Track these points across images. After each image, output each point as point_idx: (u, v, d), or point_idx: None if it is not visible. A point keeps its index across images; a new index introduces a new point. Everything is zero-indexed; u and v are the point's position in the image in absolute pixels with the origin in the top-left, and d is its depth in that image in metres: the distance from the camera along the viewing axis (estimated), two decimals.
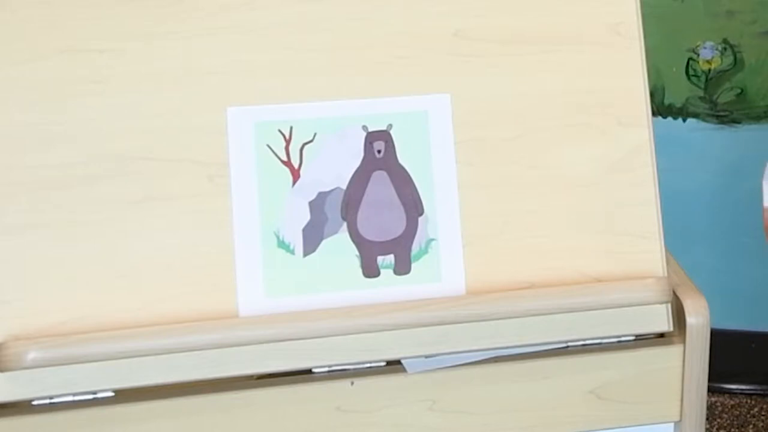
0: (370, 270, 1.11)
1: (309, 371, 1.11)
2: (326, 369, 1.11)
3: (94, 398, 1.07)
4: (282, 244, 1.10)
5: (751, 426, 2.26)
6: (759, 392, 2.34)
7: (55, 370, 1.05)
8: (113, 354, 1.04)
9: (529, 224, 1.14)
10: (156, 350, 1.05)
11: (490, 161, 1.14)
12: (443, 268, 1.12)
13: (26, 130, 1.07)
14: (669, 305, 1.15)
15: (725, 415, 2.28)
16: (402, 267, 1.11)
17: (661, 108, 2.09)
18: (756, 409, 2.30)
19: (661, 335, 1.17)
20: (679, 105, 2.11)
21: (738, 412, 2.29)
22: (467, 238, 1.12)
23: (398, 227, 1.11)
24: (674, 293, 1.14)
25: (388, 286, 1.11)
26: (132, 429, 1.07)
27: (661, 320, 1.15)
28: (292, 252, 1.10)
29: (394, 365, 1.12)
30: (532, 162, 1.14)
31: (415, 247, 1.11)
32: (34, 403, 1.06)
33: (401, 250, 1.11)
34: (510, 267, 1.13)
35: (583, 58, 1.16)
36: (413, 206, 1.12)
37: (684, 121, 2.13)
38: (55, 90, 1.08)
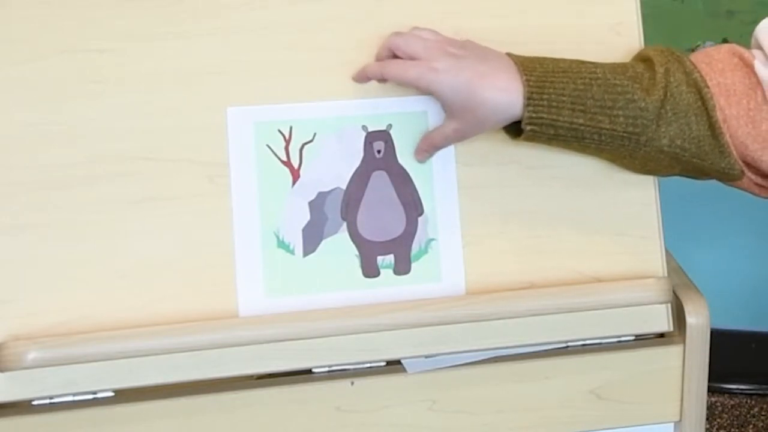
0: (370, 270, 1.11)
1: (309, 371, 1.11)
2: (326, 369, 1.11)
3: (94, 398, 1.07)
4: (282, 244, 1.10)
5: (751, 426, 2.27)
6: (759, 392, 2.34)
7: (55, 370, 1.05)
8: (113, 354, 1.04)
9: (528, 224, 1.14)
10: (156, 350, 1.05)
11: (490, 161, 1.14)
12: (443, 268, 1.12)
13: (26, 130, 1.07)
14: (669, 305, 1.15)
15: (725, 415, 2.29)
16: (402, 267, 1.11)
17: None
18: (756, 409, 2.31)
19: (661, 335, 1.17)
20: None
21: (738, 412, 2.29)
22: (467, 238, 1.12)
23: (398, 227, 1.11)
24: (674, 293, 1.14)
25: (388, 286, 1.11)
26: (132, 429, 1.07)
27: (661, 320, 1.15)
28: (292, 252, 1.10)
29: (394, 365, 1.12)
30: (532, 162, 1.14)
31: (414, 247, 1.11)
32: (34, 403, 1.06)
33: (401, 250, 1.11)
34: (510, 267, 1.13)
35: (581, 58, 1.15)
36: (413, 206, 1.12)
37: None
38: (55, 90, 1.08)
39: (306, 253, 1.10)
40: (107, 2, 1.10)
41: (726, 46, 1.10)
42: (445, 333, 1.11)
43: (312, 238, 1.10)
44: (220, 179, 1.09)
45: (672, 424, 1.17)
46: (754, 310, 2.36)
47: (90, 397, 1.07)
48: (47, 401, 1.06)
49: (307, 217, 1.10)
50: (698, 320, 1.14)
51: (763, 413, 2.29)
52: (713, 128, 1.06)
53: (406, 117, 1.12)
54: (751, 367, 2.36)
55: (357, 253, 1.11)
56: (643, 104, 1.05)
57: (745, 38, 1.11)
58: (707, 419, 1.19)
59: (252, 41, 1.11)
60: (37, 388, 1.05)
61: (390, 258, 1.11)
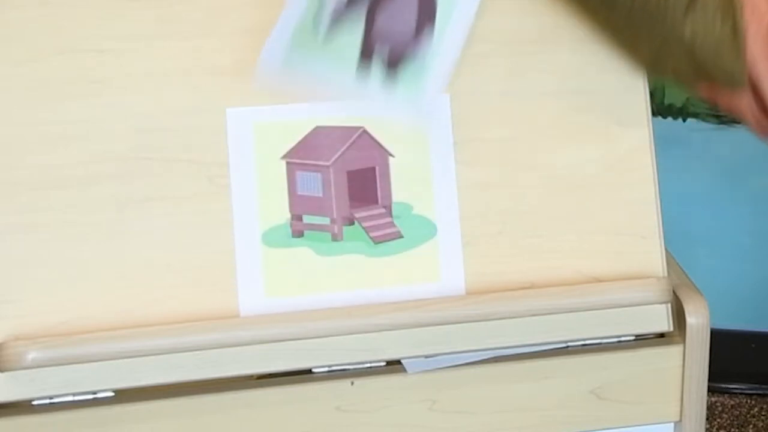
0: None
1: (309, 371, 1.11)
2: (326, 369, 1.11)
3: (94, 398, 1.07)
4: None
5: (751, 426, 2.26)
6: (759, 392, 2.34)
7: (55, 370, 1.05)
8: (113, 354, 1.04)
9: (528, 224, 1.14)
10: (156, 350, 1.05)
11: (490, 161, 1.14)
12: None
13: (26, 130, 1.07)
14: (669, 305, 1.15)
15: (725, 415, 2.28)
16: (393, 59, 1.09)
17: (661, 108, 2.10)
18: (756, 409, 2.30)
19: (661, 335, 1.17)
20: (679, 105, 2.11)
21: (738, 412, 2.29)
22: (467, 238, 1.12)
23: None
24: (674, 293, 1.14)
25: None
26: (132, 429, 1.07)
27: (661, 320, 1.15)
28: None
29: (394, 365, 1.12)
30: (532, 162, 1.14)
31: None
32: (34, 403, 1.06)
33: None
34: (510, 267, 1.13)
35: (582, 58, 1.16)
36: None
37: (684, 121, 2.13)
38: (55, 90, 1.08)
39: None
40: (107, 2, 1.10)
41: None
42: (445, 333, 1.11)
43: None
44: (219, 179, 1.09)
45: (672, 424, 1.17)
46: (754, 310, 2.36)
47: (90, 397, 1.07)
48: (47, 401, 1.06)
49: None
50: (698, 320, 1.14)
51: (763, 413, 2.29)
52: (736, 33, 1.08)
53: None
54: (751, 367, 2.36)
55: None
56: None
57: None
58: (707, 419, 1.19)
59: (252, 41, 1.11)
60: (37, 388, 1.05)
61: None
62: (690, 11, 1.07)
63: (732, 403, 2.31)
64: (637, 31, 1.10)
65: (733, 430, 2.25)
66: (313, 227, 1.10)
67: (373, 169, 1.12)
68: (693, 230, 2.30)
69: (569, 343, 1.15)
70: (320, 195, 1.11)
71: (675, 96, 2.10)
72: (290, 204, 1.10)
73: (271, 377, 1.11)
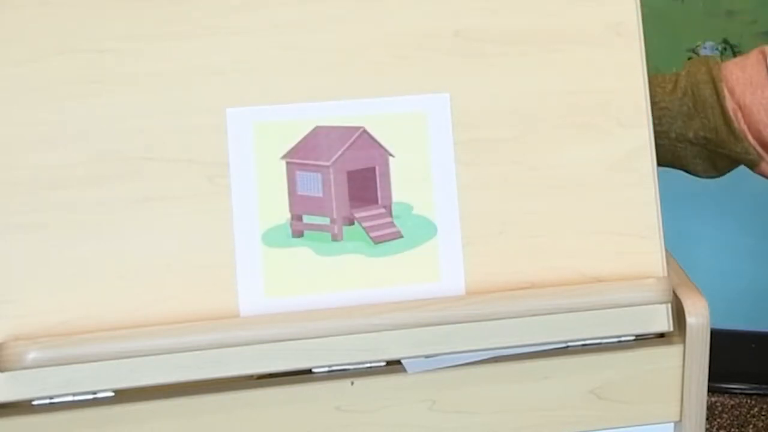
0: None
1: (309, 371, 1.11)
2: (326, 369, 1.11)
3: (94, 398, 1.07)
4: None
5: (751, 426, 2.26)
6: (759, 392, 2.33)
7: (56, 370, 1.05)
8: (113, 354, 1.04)
9: (528, 224, 1.14)
10: (156, 350, 1.05)
11: (490, 161, 1.14)
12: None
13: (26, 130, 1.07)
14: (669, 305, 1.15)
15: (725, 415, 2.28)
16: None
17: None
18: (756, 409, 2.30)
19: (661, 335, 1.17)
20: None
21: (738, 412, 2.29)
22: (467, 238, 1.12)
23: None
24: (674, 293, 1.14)
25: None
26: (132, 429, 1.07)
27: (661, 320, 1.15)
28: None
29: (394, 365, 1.12)
30: (532, 162, 1.14)
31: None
32: (34, 403, 1.06)
33: None
34: (510, 267, 1.13)
35: (583, 58, 1.16)
36: None
37: None
38: (55, 90, 1.08)
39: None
40: (107, 2, 1.10)
41: (759, 48, 1.26)
42: (445, 333, 1.11)
43: None
44: (220, 179, 1.09)
45: (672, 424, 1.17)
46: (754, 310, 2.36)
47: (90, 397, 1.07)
48: (47, 401, 1.06)
49: None
50: (698, 320, 1.14)
51: (763, 413, 2.29)
52: (726, 117, 1.19)
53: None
54: (751, 367, 2.36)
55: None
56: (664, 104, 1.21)
57: (745, 38, 1.13)
58: (707, 419, 1.19)
59: (252, 41, 1.11)
60: (37, 388, 1.05)
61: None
62: (685, 116, 1.16)
63: (732, 403, 2.31)
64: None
65: (733, 430, 2.25)
66: (313, 227, 1.10)
67: (373, 169, 1.12)
68: (693, 230, 2.30)
69: (569, 343, 1.15)
70: (320, 195, 1.11)
71: None
72: (290, 204, 1.10)
73: (271, 377, 1.11)
